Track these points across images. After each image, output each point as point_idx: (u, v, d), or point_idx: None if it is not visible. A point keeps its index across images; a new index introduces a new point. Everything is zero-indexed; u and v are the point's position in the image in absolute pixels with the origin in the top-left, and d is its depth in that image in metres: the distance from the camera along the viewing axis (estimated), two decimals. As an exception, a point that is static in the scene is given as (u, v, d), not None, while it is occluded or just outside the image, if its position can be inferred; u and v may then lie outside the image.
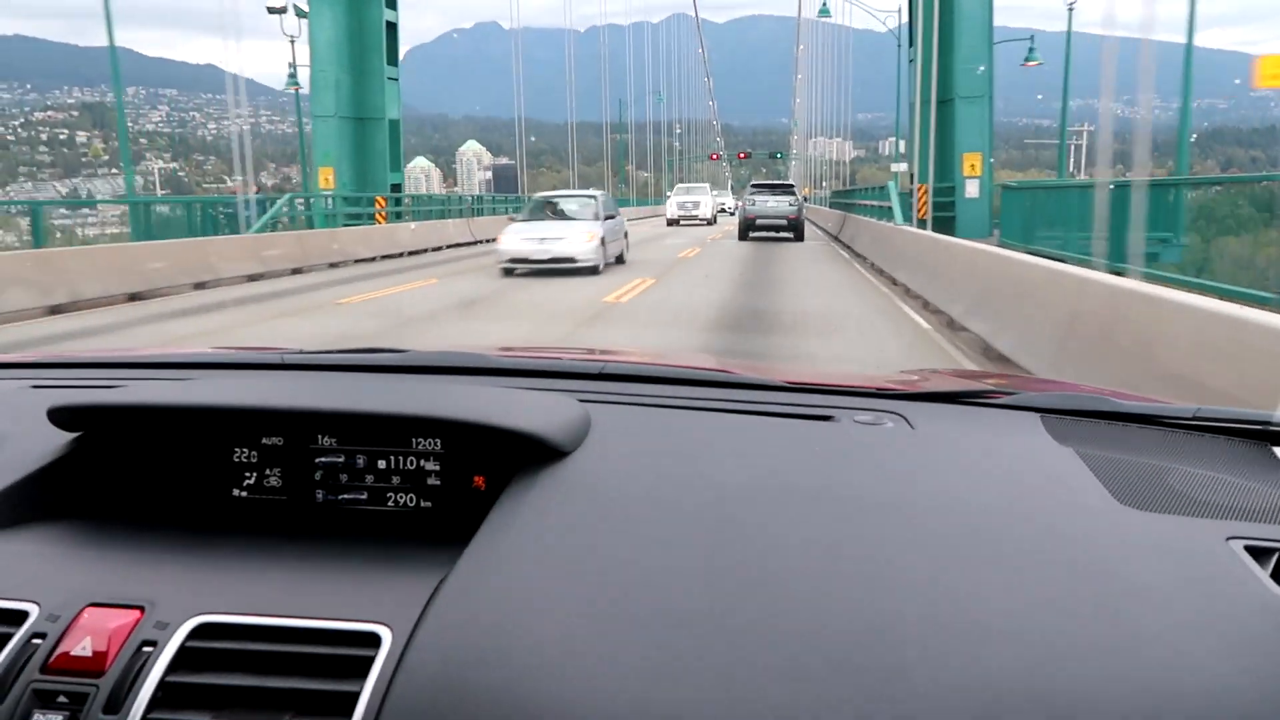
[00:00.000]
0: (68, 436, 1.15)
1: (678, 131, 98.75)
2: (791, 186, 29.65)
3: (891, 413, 1.26)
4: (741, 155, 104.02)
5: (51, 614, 0.88)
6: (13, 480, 1.09)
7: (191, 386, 1.29)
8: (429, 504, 1.13)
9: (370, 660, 0.81)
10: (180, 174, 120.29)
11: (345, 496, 1.14)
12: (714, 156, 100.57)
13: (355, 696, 0.78)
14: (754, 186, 29.50)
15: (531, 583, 0.85)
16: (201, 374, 1.57)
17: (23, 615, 0.88)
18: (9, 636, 0.86)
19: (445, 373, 1.49)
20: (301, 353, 1.66)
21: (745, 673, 0.73)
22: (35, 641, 0.85)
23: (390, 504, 1.13)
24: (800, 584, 0.83)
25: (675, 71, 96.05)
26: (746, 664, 0.74)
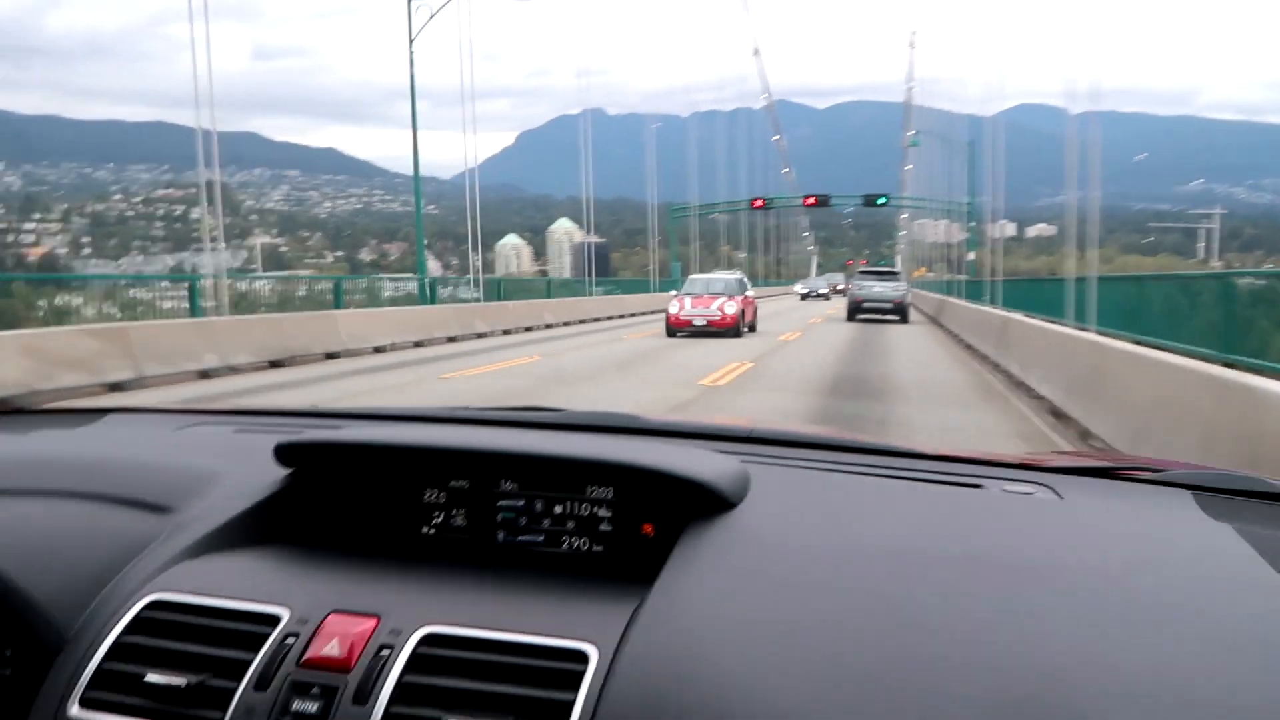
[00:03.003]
0: (282, 472, 1.31)
1: (806, 229, 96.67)
2: (897, 273, 31.21)
3: (1038, 484, 1.28)
4: (810, 201, 61.88)
5: (301, 618, 1.02)
6: (244, 507, 1.25)
7: (395, 429, 1.43)
8: (600, 548, 1.20)
9: (580, 674, 0.90)
10: (283, 249, 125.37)
11: (523, 538, 1.22)
12: (757, 204, 64.53)
13: (569, 705, 0.88)
14: (861, 272, 31.34)
15: (715, 617, 0.92)
16: (382, 425, 1.71)
17: (275, 618, 1.03)
18: (265, 635, 1.01)
19: (601, 431, 1.59)
20: (468, 409, 1.81)
21: (906, 711, 0.79)
22: (289, 641, 1.00)
23: (564, 547, 1.21)
24: (958, 642, 0.86)
25: (758, 154, 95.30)
26: (907, 705, 0.79)
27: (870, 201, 60.11)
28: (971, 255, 39.27)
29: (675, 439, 1.51)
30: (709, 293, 22.36)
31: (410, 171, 32.52)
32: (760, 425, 1.61)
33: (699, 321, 21.31)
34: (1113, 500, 1.26)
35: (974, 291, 28.87)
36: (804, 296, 57.66)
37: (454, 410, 1.80)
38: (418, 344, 18.26)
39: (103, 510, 1.22)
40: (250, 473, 1.31)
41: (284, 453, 1.29)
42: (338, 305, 18.84)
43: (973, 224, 41.12)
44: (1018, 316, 15.21)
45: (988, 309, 19.93)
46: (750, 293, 24.00)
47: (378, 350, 16.90)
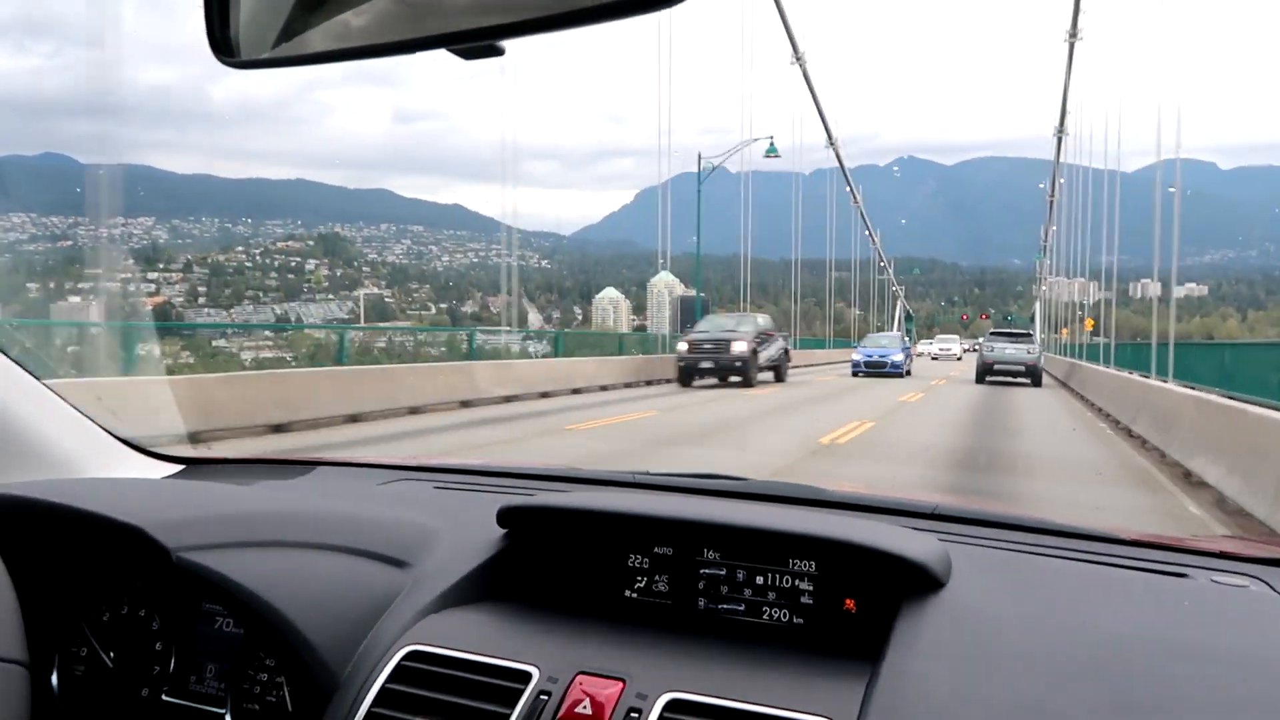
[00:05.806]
0: (498, 531, 1.35)
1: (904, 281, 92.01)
2: (1030, 334, 29.64)
3: (1247, 575, 1.24)
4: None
5: (550, 676, 1.07)
6: (473, 565, 1.31)
7: (605, 496, 1.49)
8: (800, 621, 1.20)
9: None
10: (388, 300, 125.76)
11: (724, 606, 1.23)
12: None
13: None
14: (992, 334, 29.75)
15: (950, 699, 0.93)
16: (567, 486, 1.76)
17: (527, 675, 1.09)
18: (518, 691, 1.07)
19: (782, 501, 1.57)
20: (648, 474, 1.79)
21: None
22: (542, 698, 1.05)
23: (765, 617, 1.21)
24: None
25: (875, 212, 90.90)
26: None
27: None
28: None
29: (861, 513, 1.49)
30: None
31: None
32: (944, 502, 1.56)
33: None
34: None
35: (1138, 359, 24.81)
36: None
37: (638, 475, 1.77)
38: (544, 395, 18.49)
39: (355, 563, 1.29)
40: (467, 531, 1.38)
41: (506, 515, 1.35)
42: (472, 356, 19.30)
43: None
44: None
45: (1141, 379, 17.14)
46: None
47: (507, 400, 16.86)
